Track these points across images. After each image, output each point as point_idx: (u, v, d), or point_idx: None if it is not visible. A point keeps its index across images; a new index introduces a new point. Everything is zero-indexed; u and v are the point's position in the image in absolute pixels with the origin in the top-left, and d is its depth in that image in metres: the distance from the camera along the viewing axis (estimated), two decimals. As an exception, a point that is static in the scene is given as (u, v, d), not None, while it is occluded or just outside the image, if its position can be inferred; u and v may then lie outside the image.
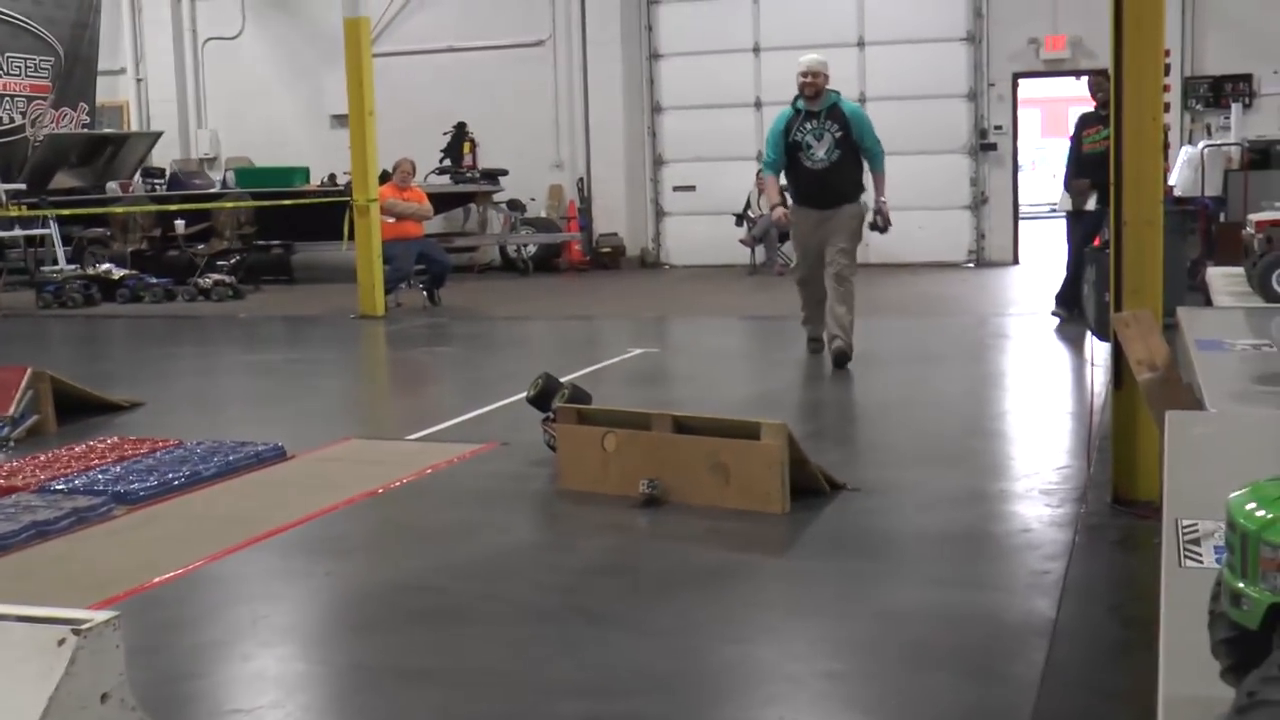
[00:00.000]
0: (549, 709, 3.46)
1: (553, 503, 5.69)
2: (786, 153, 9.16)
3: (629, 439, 5.59)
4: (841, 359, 8.85)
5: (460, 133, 19.35)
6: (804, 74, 9.12)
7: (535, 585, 4.55)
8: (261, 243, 17.43)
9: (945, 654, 3.74)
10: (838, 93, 9.32)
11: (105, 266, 16.37)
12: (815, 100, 9.11)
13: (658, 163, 19.28)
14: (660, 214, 19.38)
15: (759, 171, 17.67)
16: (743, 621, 4.12)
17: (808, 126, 9.10)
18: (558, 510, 5.64)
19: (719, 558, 4.81)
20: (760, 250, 17.63)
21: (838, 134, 9.06)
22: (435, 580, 4.61)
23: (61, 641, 3.01)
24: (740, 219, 17.98)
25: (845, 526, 5.19)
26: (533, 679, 3.66)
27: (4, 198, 16.78)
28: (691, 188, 19.00)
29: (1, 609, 3.18)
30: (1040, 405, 7.77)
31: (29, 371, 7.52)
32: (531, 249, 18.85)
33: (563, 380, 6.57)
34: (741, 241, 17.68)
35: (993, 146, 17.94)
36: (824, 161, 9.09)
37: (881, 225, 9.23)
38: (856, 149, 9.15)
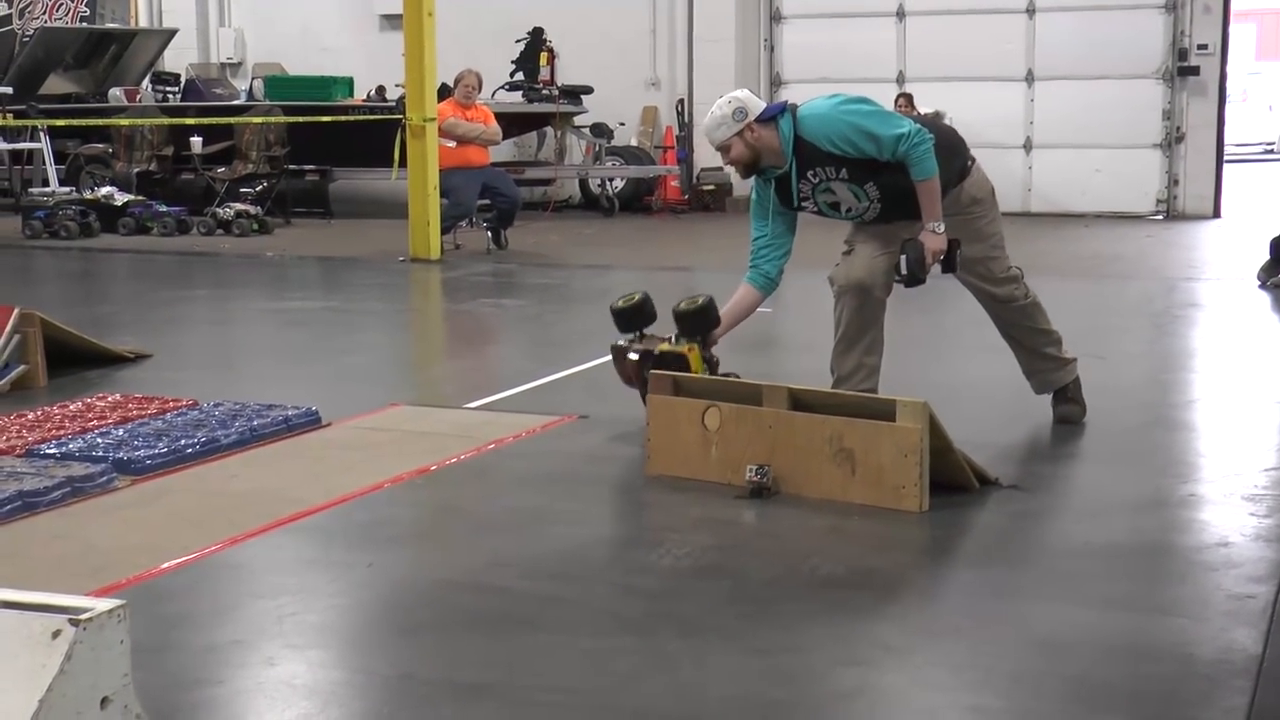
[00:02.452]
0: (632, 737, 3.51)
1: (640, 490, 5.72)
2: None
3: (735, 416, 5.60)
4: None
5: (536, 41, 19.40)
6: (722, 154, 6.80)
7: (617, 588, 4.58)
8: (294, 168, 17.62)
9: (1120, 694, 3.71)
10: (781, 113, 6.75)
11: (106, 191, 16.66)
12: (766, 161, 6.74)
13: (775, 84, 19.20)
14: (776, 145, 19.31)
15: (895, 97, 17.56)
16: (866, 640, 4.12)
17: (803, 189, 6.87)
18: (646, 499, 5.67)
19: (840, 563, 4.81)
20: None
21: (841, 174, 6.67)
22: (497, 578, 4.66)
23: (56, 634, 3.10)
24: (874, 154, 17.86)
25: (995, 531, 5.17)
26: (612, 700, 3.69)
27: (-12, 104, 17.16)
28: (816, 114, 18.92)
29: (-13, 592, 3.27)
30: (1242, 392, 7.66)
31: (15, 312, 7.69)
32: (618, 184, 18.88)
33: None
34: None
35: (1194, 70, 17.61)
36: (870, 209, 6.83)
37: (906, 273, 6.57)
38: (881, 167, 6.55)
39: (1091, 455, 6.29)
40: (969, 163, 6.75)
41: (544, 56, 19.41)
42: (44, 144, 17.17)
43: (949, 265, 6.56)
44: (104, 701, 3.16)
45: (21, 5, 19.88)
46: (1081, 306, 10.76)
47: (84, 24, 20.32)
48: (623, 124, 19.09)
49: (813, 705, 3.66)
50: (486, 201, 14.50)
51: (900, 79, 18.49)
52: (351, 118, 16.52)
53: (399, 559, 5.00)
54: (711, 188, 18.96)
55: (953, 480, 5.41)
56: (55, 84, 19.18)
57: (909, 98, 17.63)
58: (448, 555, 5.02)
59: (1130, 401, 7.44)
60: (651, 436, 5.85)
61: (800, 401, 5.54)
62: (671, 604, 4.39)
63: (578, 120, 18.89)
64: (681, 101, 19.16)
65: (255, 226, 15.91)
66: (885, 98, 17.56)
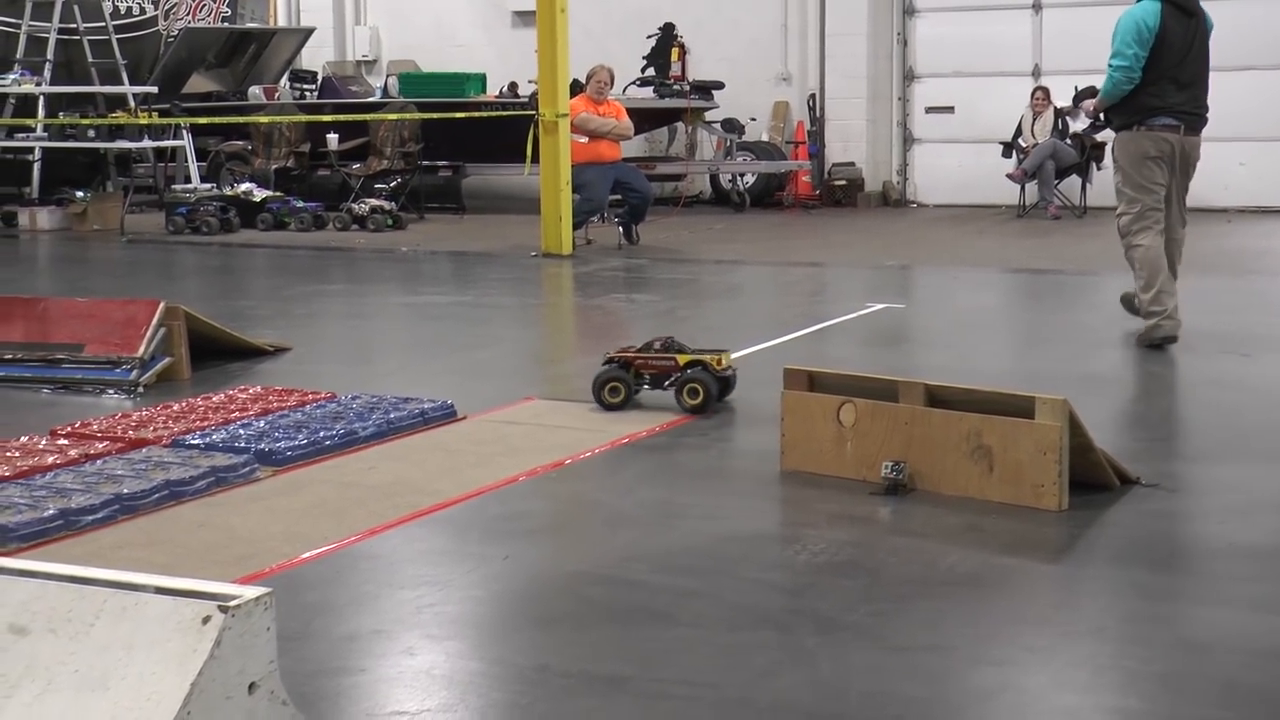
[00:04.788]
0: (769, 732, 3.50)
1: (774, 485, 5.70)
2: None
3: (870, 412, 5.56)
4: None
5: (667, 36, 19.45)
6: None
7: (753, 583, 4.57)
8: (427, 163, 17.81)
9: (1272, 698, 3.63)
10: None
11: (245, 187, 16.97)
12: None
13: (908, 78, 19.05)
14: (909, 141, 19.17)
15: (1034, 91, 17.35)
16: (1006, 640, 4.08)
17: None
18: (780, 494, 5.65)
19: (978, 561, 4.76)
20: (1032, 188, 17.28)
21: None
22: (632, 572, 4.68)
23: (206, 619, 3.16)
24: (1009, 149, 17.65)
25: (1137, 531, 5.09)
26: (749, 695, 3.68)
27: (133, 102, 17.52)
28: (949, 109, 18.74)
29: (138, 579, 3.34)
30: (1394, 392, 7.46)
31: (161, 306, 7.86)
32: (749, 179, 18.85)
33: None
34: (1009, 177, 17.36)
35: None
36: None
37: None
38: None
39: (1234, 454, 6.16)
40: (1129, 125, 8.63)
41: (675, 52, 19.44)
42: (186, 141, 17.53)
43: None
44: (251, 687, 3.22)
45: (166, 6, 20.31)
46: (1226, 303, 10.57)
47: (225, 24, 20.70)
48: (754, 119, 19.06)
49: (953, 704, 3.63)
50: (618, 197, 14.55)
51: (1036, 72, 18.26)
52: (484, 114, 16.66)
53: (534, 552, 5.03)
54: (843, 183, 18.87)
55: (1093, 479, 5.34)
56: (197, 83, 19.58)
57: (1046, 91, 17.41)
58: (582, 548, 5.04)
59: (1275, 400, 7.28)
60: (786, 432, 5.83)
61: (937, 398, 5.49)
62: (808, 600, 4.38)
63: (709, 115, 18.88)
64: (813, 96, 19.09)
65: (389, 222, 16.10)
66: (1020, 91, 17.39)
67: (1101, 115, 8.98)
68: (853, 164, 18.92)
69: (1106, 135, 9.94)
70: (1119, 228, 8.73)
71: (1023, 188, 17.33)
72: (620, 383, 6.87)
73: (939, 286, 12.30)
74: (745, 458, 6.04)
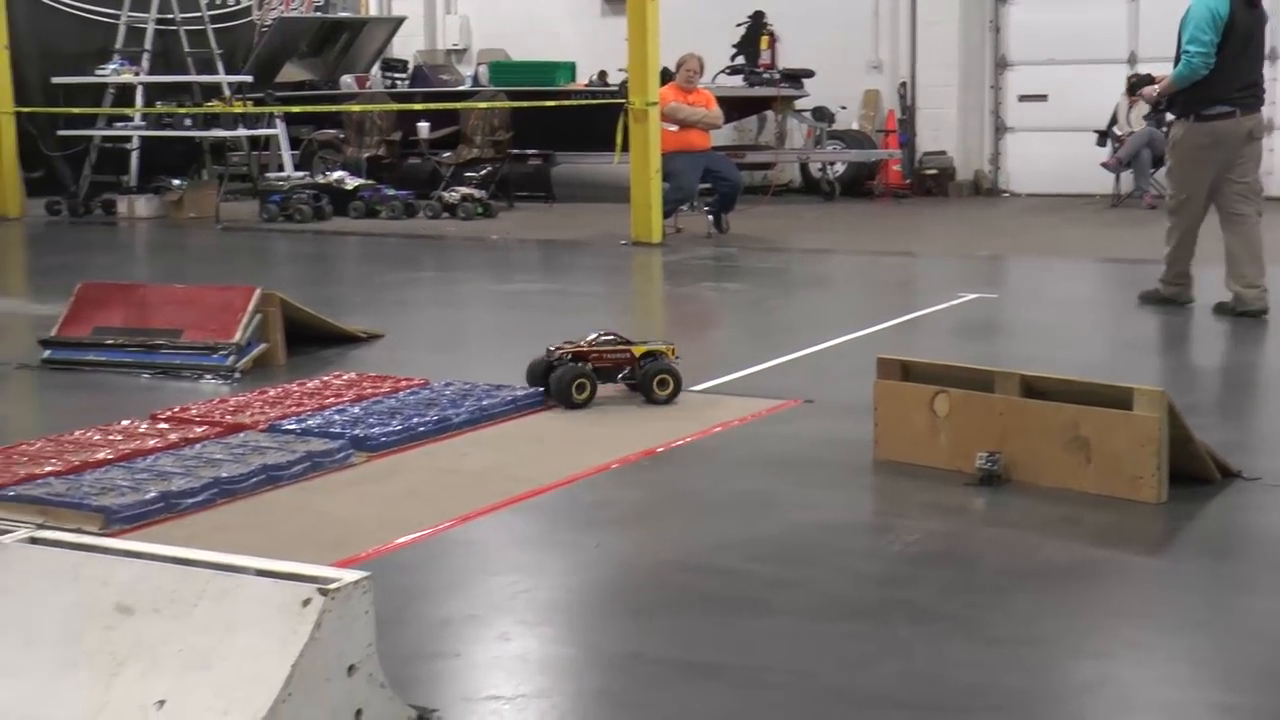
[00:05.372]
0: (865, 722, 3.49)
1: (867, 474, 5.68)
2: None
3: (965, 402, 5.52)
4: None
5: (757, 24, 19.37)
6: None
7: (847, 573, 4.56)
8: (516, 152, 17.86)
9: (1375, 693, 3.58)
10: None
11: (337, 175, 17.10)
12: None
13: (1001, 66, 18.87)
14: (1001, 130, 18.99)
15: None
16: (1105, 633, 4.04)
17: None
18: (874, 484, 5.63)
19: (1075, 553, 4.72)
20: (1127, 177, 17.07)
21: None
22: (725, 560, 4.68)
23: (307, 602, 3.19)
24: (1104, 137, 17.44)
25: (1238, 524, 5.02)
26: (845, 685, 3.68)
27: (228, 91, 17.71)
28: (1043, 97, 18.54)
29: (240, 561, 3.39)
30: None
31: (257, 293, 7.94)
32: (839, 168, 18.76)
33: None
34: (1104, 165, 17.16)
35: None
36: None
37: None
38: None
39: (1339, 448, 6.06)
40: (1185, 115, 9.19)
41: (765, 40, 19.37)
42: (280, 130, 17.69)
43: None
44: (350, 669, 3.26)
45: (261, -4, 20.58)
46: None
47: (318, 14, 20.89)
48: (844, 107, 18.93)
49: (1052, 696, 3.60)
50: (708, 185, 14.53)
51: (1132, 59, 18.00)
52: (574, 102, 16.68)
53: (626, 539, 5.05)
54: (934, 172, 18.72)
55: (1192, 471, 5.26)
56: (290, 72, 19.75)
57: (1143, 79, 17.14)
58: (675, 537, 5.04)
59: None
60: (879, 422, 5.80)
61: (1033, 388, 5.44)
62: (902, 590, 4.36)
63: (798, 104, 18.80)
64: (904, 85, 18.96)
65: (480, 210, 16.17)
66: (1115, 78, 17.16)
67: (1162, 102, 9.68)
68: (944, 153, 18.76)
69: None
70: (1166, 209, 9.67)
71: (1117, 177, 17.11)
72: (586, 379, 6.76)
73: (1032, 277, 12.19)
74: (837, 447, 6.01)
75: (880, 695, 3.60)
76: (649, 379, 6.82)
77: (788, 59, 19.26)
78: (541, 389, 6.81)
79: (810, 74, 18.60)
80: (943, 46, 18.58)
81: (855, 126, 19.08)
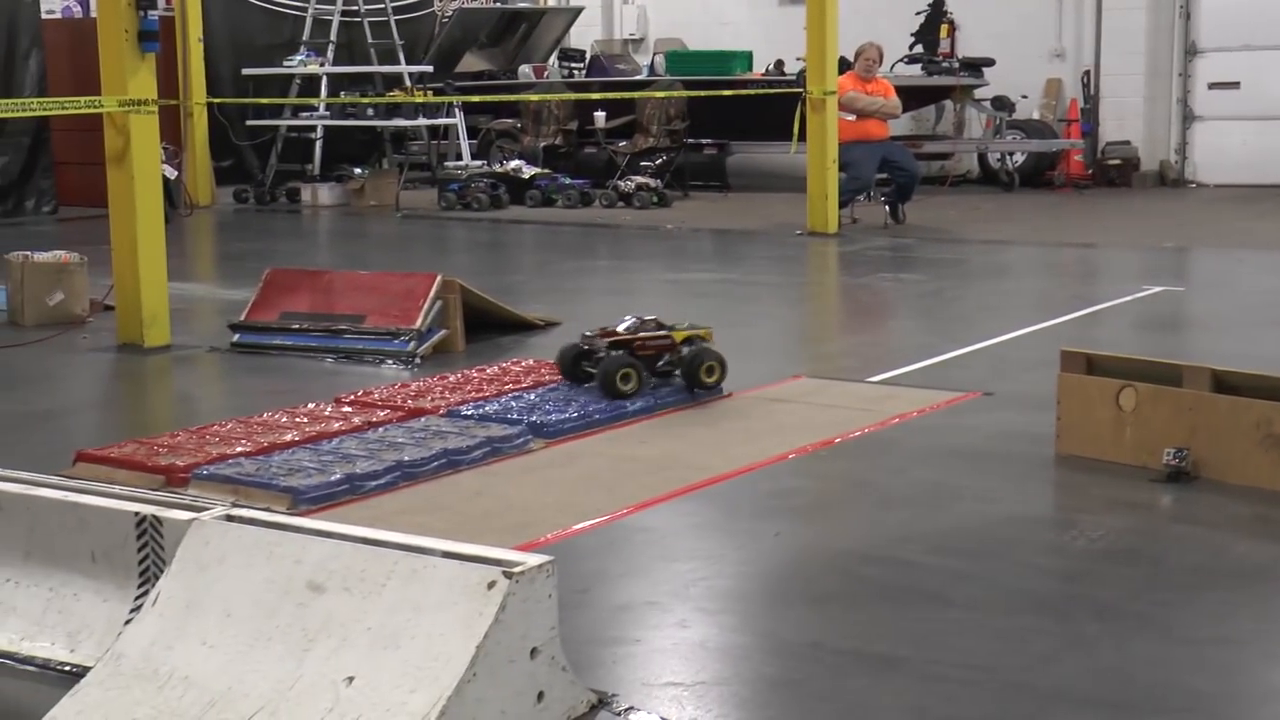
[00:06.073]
0: (1050, 718, 3.43)
1: (1049, 469, 5.60)
2: None
3: (1152, 396, 5.41)
4: None
5: (937, 12, 19.13)
6: None
7: (1029, 568, 4.50)
8: (692, 141, 17.88)
9: None
10: None
11: (514, 164, 17.27)
12: None
13: (1190, 52, 18.40)
14: (1189, 118, 18.53)
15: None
16: (1301, 637, 3.94)
17: None
18: (1056, 479, 5.55)
19: (1268, 553, 4.61)
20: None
21: None
22: (904, 552, 4.65)
23: (492, 584, 3.24)
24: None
25: None
26: (1027, 679, 3.63)
27: (409, 81, 18.00)
28: (1234, 85, 18.04)
29: (426, 542, 3.45)
30: None
31: (438, 279, 8.06)
32: (1019, 158, 18.46)
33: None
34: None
35: None
36: None
37: None
38: None
39: None
40: None
41: (945, 28, 19.11)
42: (459, 120, 17.94)
43: None
44: (533, 652, 3.30)
45: (442, -12, 20.85)
46: None
47: (497, 5, 21.10)
48: (1025, 97, 18.62)
49: (1247, 700, 3.52)
50: (885, 175, 14.40)
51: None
52: (751, 91, 16.64)
53: (804, 529, 5.04)
54: (1117, 162, 18.33)
55: (1392, 471, 5.10)
56: (470, 62, 20.00)
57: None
58: (853, 527, 5.02)
59: None
60: (1062, 415, 5.71)
61: (1224, 383, 5.30)
62: (1087, 586, 4.29)
63: (978, 93, 18.53)
64: (1088, 73, 18.59)
65: (655, 199, 16.21)
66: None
67: None
68: (1128, 142, 18.35)
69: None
70: None
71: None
72: (632, 369, 6.52)
73: (1220, 270, 11.88)
74: (1019, 440, 5.93)
75: (1064, 692, 3.55)
76: (695, 366, 6.60)
77: (967, 47, 19.00)
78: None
79: (990, 62, 18.32)
80: (1129, 33, 18.17)
81: (1036, 116, 18.74)
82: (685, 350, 6.72)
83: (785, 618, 4.19)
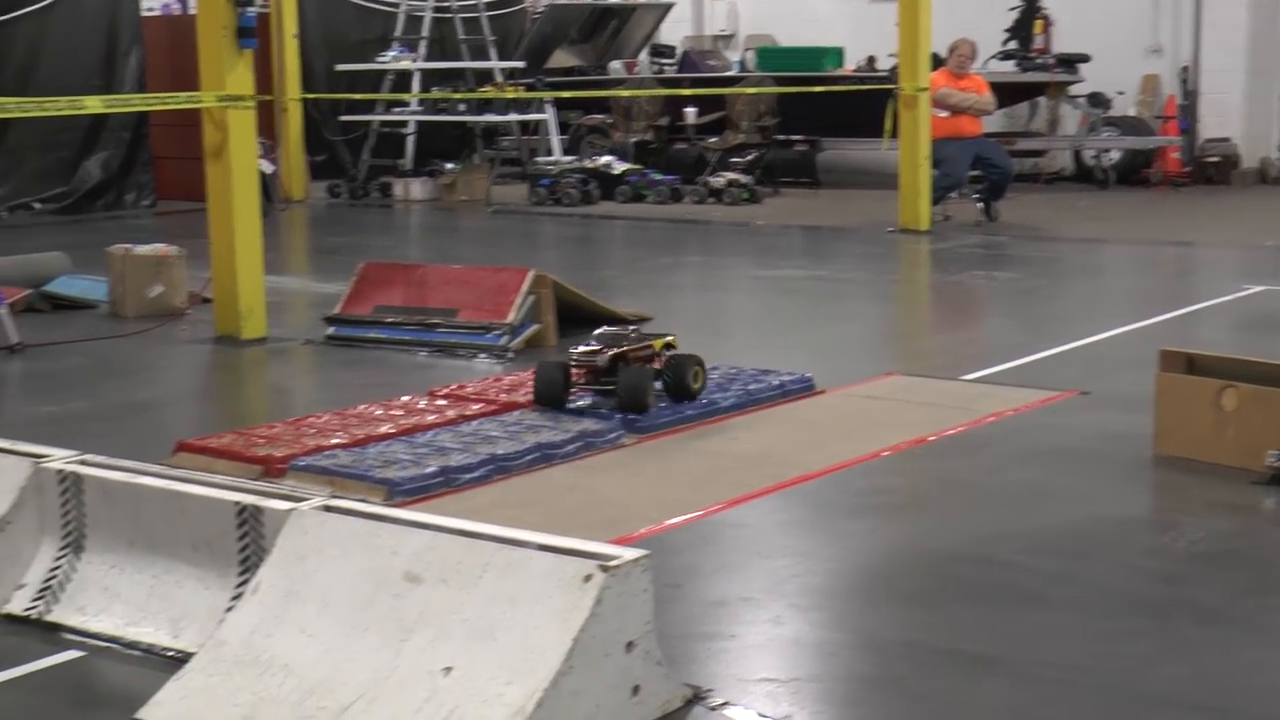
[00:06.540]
0: (1149, 722, 3.40)
1: (1148, 470, 5.54)
2: None
3: (1254, 397, 5.33)
4: None
5: (1031, 8, 18.94)
6: None
7: (1128, 569, 4.45)
8: (782, 137, 17.82)
9: None
10: None
11: (605, 159, 17.28)
12: None
13: (1292, 47, 18.12)
14: (1291, 115, 18.24)
15: None
16: None
17: None
18: (1156, 479, 5.49)
19: (1377, 560, 4.53)
20: None
21: None
22: (1000, 552, 4.61)
23: (588, 578, 3.25)
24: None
25: None
26: (1127, 683, 3.59)
27: (500, 77, 18.08)
28: (1339, 81, 17.75)
29: (522, 535, 3.47)
30: None
31: (530, 274, 8.09)
32: (1114, 155, 18.24)
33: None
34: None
35: None
36: None
37: None
38: None
39: None
40: None
41: (1039, 24, 18.91)
42: (549, 115, 17.99)
43: None
44: (629, 645, 3.31)
45: (532, -16, 20.92)
46: None
47: (588, 1, 21.14)
48: (1121, 93, 18.39)
49: (1352, 705, 3.46)
50: (978, 172, 14.29)
51: None
52: (842, 88, 16.57)
53: (898, 527, 5.01)
54: (1216, 159, 18.06)
55: None
56: (560, 58, 20.05)
57: None
58: (948, 526, 4.98)
59: None
60: (1161, 415, 5.64)
61: (1330, 384, 5.23)
62: (1188, 589, 4.24)
63: (1073, 89, 18.33)
64: (1186, 69, 18.34)
65: (745, 195, 16.17)
66: None
67: None
68: (1227, 139, 18.08)
69: None
70: None
71: None
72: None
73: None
74: (1115, 440, 5.87)
75: (1166, 696, 3.51)
76: (683, 371, 6.34)
77: (1063, 43, 18.80)
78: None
79: (1086, 58, 18.12)
80: (1229, 28, 17.90)
81: (1132, 112, 18.52)
82: (674, 355, 6.44)
83: (879, 615, 4.17)
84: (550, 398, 6.25)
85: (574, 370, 6.33)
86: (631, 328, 6.47)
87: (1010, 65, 18.27)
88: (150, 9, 18.45)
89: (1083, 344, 7.88)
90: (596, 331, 6.48)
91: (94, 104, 9.59)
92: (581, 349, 6.34)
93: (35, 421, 6.48)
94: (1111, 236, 13.30)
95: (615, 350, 6.28)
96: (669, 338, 6.55)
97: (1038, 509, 5.05)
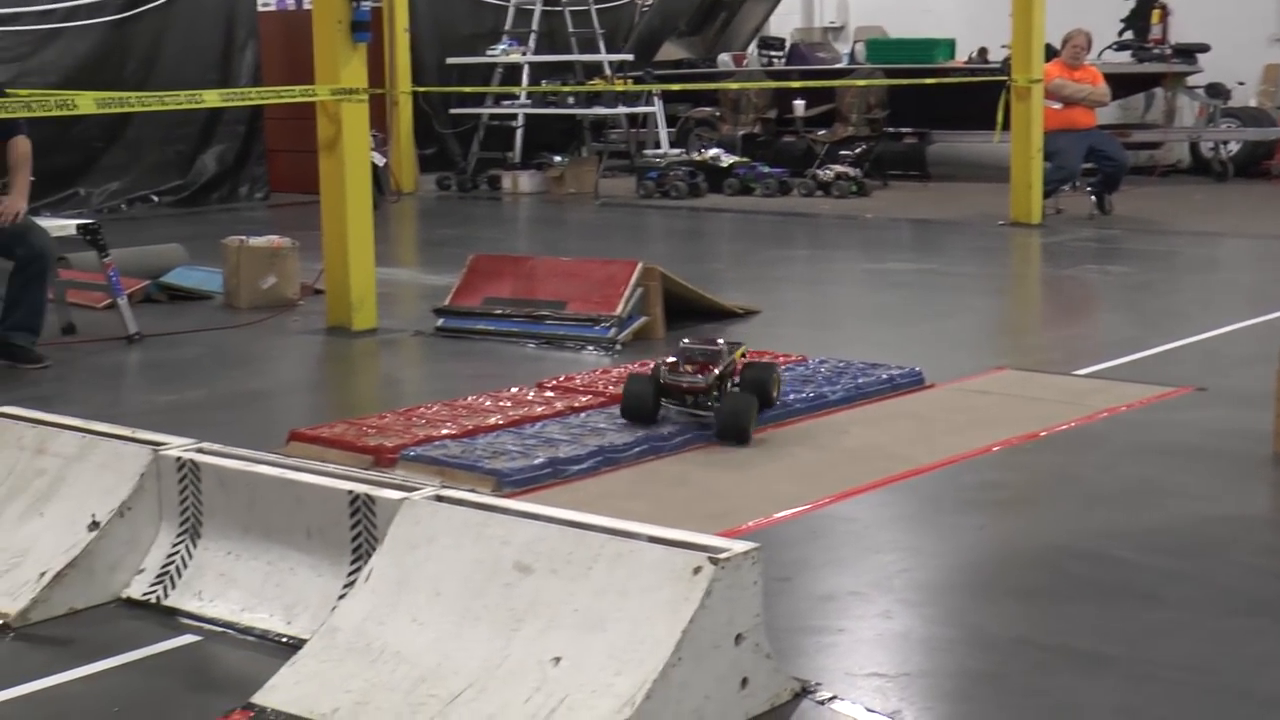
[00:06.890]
0: (1267, 724, 3.35)
1: (1267, 468, 5.44)
2: None
3: (1377, 394, 5.23)
4: None
5: (1147, -3, 18.69)
6: None
7: (1248, 569, 4.38)
8: (891, 130, 17.71)
9: None
10: None
11: (713, 152, 17.28)
12: None
13: None
14: None
15: None
16: None
17: None
18: (1274, 478, 5.40)
19: None
20: None
21: None
22: (1113, 549, 4.55)
23: (697, 570, 3.26)
24: None
25: None
26: (1245, 684, 3.54)
27: (609, 70, 18.13)
28: None
29: (632, 526, 3.48)
30: None
31: (639, 267, 8.11)
32: (1234, 147, 17.92)
33: None
34: None
35: None
36: None
37: None
38: None
39: None
40: None
41: (1156, 14, 18.64)
42: (657, 108, 18.01)
43: None
44: (738, 638, 3.31)
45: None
46: None
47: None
48: (1241, 83, 18.08)
49: None
50: (1092, 165, 14.11)
51: None
52: (953, 80, 16.41)
53: (1009, 523, 4.97)
54: (1341, 151, 17.70)
55: None
56: (669, 50, 20.06)
57: None
58: (1060, 522, 4.93)
59: None
60: (1280, 413, 5.55)
61: None
62: (1308, 589, 4.17)
63: (1190, 80, 18.04)
64: (1310, 58, 17.99)
65: (854, 188, 16.09)
66: None
67: None
68: (1349, 132, 17.76)
69: None
70: None
71: None
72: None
73: None
74: (1233, 438, 5.77)
75: (1284, 697, 3.46)
76: (766, 387, 5.98)
77: (1180, 33, 18.50)
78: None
79: (1205, 48, 17.82)
80: (1358, 14, 17.54)
81: (1253, 103, 18.19)
82: (744, 364, 6.17)
83: (990, 611, 4.14)
84: (639, 416, 5.90)
85: (668, 384, 5.93)
86: (721, 340, 6.10)
87: (1126, 56, 18.03)
88: (266, 4, 18.69)
89: (1199, 339, 7.76)
90: (682, 343, 6.11)
91: (212, 98, 9.78)
92: (677, 366, 5.93)
93: (153, 410, 6.61)
94: (1229, 230, 13.08)
95: (718, 369, 5.91)
96: (742, 346, 6.24)
97: (1152, 506, 4.98)
